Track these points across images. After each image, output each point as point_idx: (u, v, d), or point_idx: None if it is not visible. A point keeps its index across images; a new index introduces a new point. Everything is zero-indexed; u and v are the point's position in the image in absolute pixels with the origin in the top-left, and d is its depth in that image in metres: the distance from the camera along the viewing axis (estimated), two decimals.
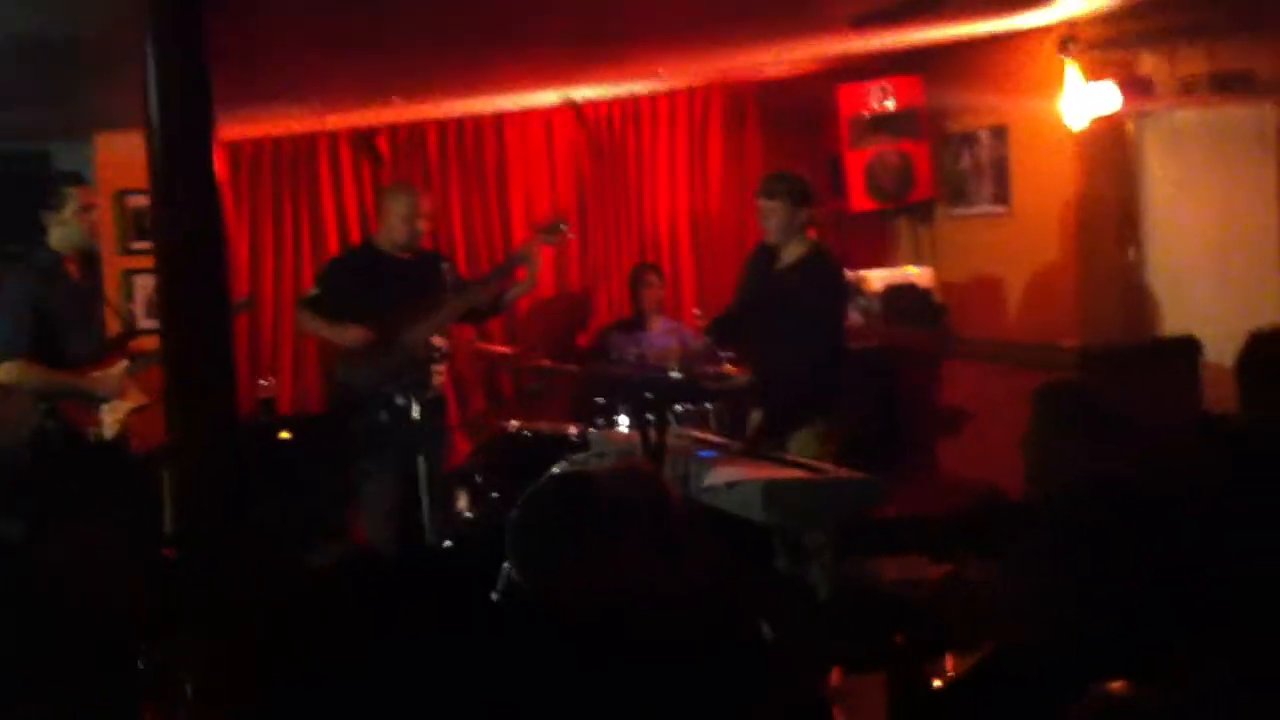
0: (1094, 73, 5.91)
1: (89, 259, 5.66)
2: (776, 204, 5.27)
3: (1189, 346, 5.58)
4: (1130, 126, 6.26)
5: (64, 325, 5.16)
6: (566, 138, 7.19)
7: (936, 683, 2.85)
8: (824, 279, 5.30)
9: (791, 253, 5.31)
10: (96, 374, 5.21)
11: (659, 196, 7.34)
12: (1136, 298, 6.30)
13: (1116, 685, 1.74)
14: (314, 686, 2.87)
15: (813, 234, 5.43)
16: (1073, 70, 5.93)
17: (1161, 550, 2.34)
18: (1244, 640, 2.32)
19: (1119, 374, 5.21)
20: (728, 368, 5.50)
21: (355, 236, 6.75)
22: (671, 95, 7.30)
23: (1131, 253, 6.31)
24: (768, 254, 5.39)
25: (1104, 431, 3.39)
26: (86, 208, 5.24)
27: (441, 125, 7.00)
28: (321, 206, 6.83)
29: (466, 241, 7.04)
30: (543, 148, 7.17)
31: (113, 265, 6.37)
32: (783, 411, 5.19)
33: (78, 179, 5.38)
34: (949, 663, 2.94)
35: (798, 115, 7.40)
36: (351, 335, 5.63)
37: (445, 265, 6.01)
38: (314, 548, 3.24)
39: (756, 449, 4.93)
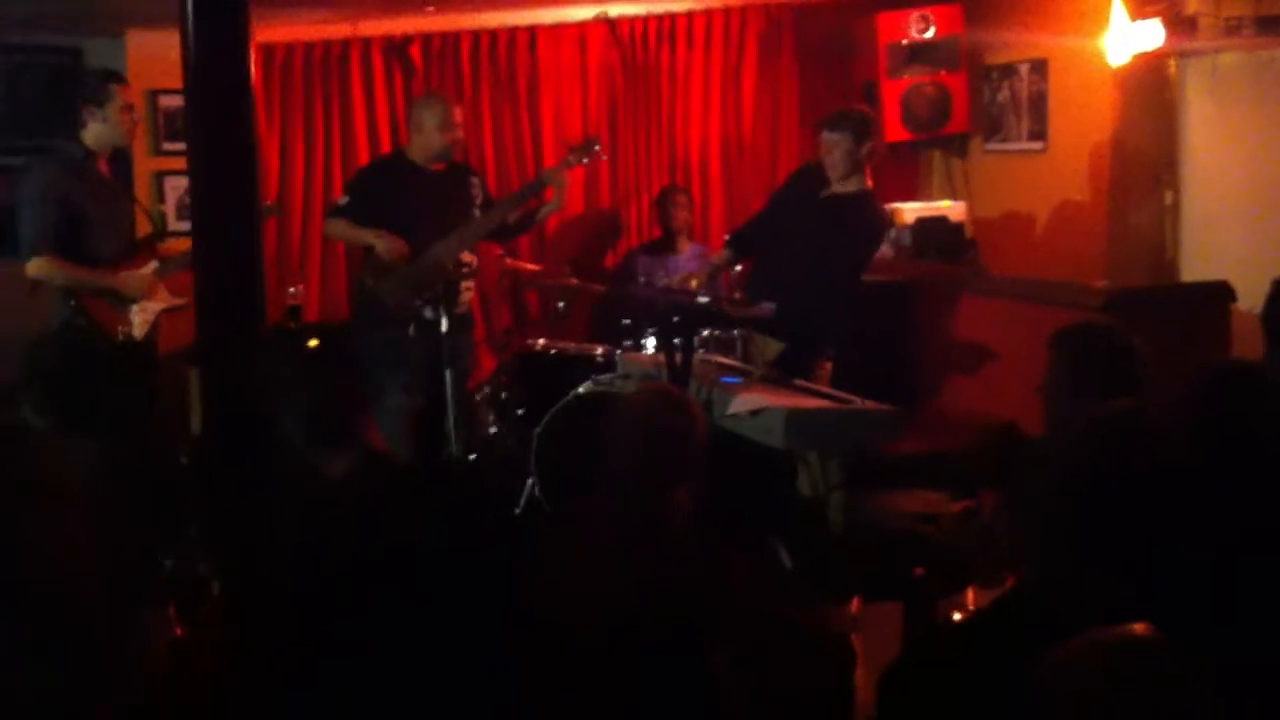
0: (1139, 9, 5.83)
1: (121, 158, 5.65)
2: (840, 136, 5.27)
3: (1220, 292, 5.53)
4: (1172, 66, 6.18)
5: (92, 223, 5.16)
6: (600, 54, 7.12)
7: (956, 615, 2.87)
8: (873, 222, 5.30)
9: (845, 186, 5.30)
10: (125, 273, 5.22)
11: (691, 118, 7.28)
12: (1170, 240, 6.25)
13: (1116, 628, 1.75)
14: (331, 591, 2.90)
15: (870, 178, 5.42)
16: (1118, 5, 5.84)
17: (1171, 494, 2.34)
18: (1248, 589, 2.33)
19: (1146, 317, 5.16)
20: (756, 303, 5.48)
21: (386, 145, 6.71)
22: (708, 15, 7.22)
23: (1168, 195, 6.25)
24: (814, 179, 5.36)
25: (1125, 377, 3.38)
26: (128, 107, 5.22)
27: (475, 35, 6.93)
28: (353, 114, 6.78)
29: (496, 155, 7.00)
30: (576, 63, 7.10)
31: (144, 166, 6.35)
32: (801, 343, 5.19)
33: (119, 76, 5.35)
34: (970, 597, 2.96)
35: (834, 41, 7.31)
36: (387, 242, 5.61)
37: (475, 180, 5.99)
38: (335, 455, 3.25)
39: (780, 375, 4.93)
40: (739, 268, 6.11)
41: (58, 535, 3.17)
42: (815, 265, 5.26)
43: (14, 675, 2.70)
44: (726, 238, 6.03)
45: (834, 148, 5.29)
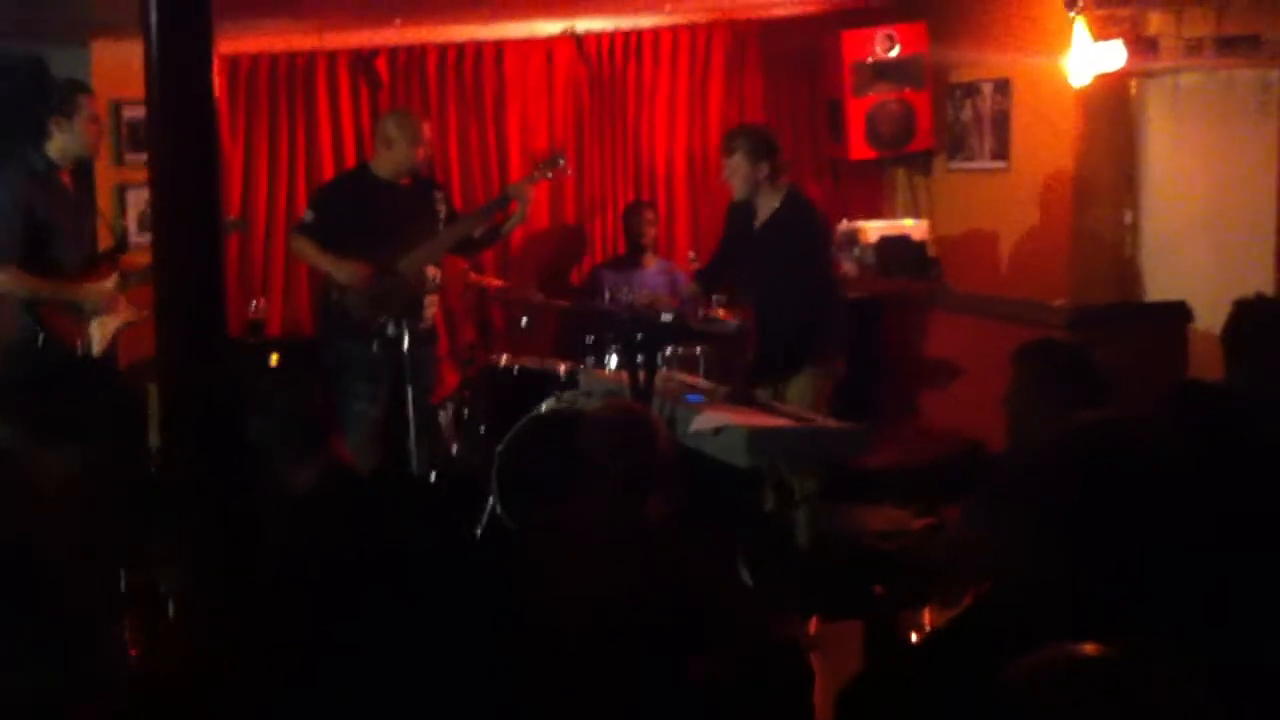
0: (1101, 30, 5.87)
1: (83, 170, 5.61)
2: (735, 160, 5.29)
3: (1178, 311, 5.59)
4: (1134, 86, 6.24)
5: (55, 235, 5.11)
6: (567, 69, 7.12)
7: (913, 635, 2.88)
8: (800, 229, 5.30)
9: (766, 206, 5.31)
10: (86, 286, 5.18)
11: (657, 133, 7.29)
12: (1129, 260, 6.30)
13: (1063, 645, 1.75)
14: (293, 604, 2.89)
15: (786, 180, 5.42)
16: (1080, 26, 5.89)
17: (1141, 505, 2.36)
18: (1209, 601, 2.35)
19: (1106, 335, 5.21)
20: (719, 311, 5.49)
21: (351, 159, 6.69)
22: (674, 30, 7.23)
23: (1128, 215, 6.31)
24: (745, 212, 5.39)
25: (1086, 392, 3.40)
26: (94, 117, 5.20)
27: (442, 49, 6.92)
28: (318, 127, 6.76)
29: (462, 169, 6.99)
30: (543, 78, 7.10)
31: (106, 178, 6.30)
32: (777, 357, 5.20)
33: (85, 87, 5.32)
34: (926, 616, 2.97)
35: (800, 58, 7.34)
36: (348, 270, 5.61)
37: (439, 194, 5.99)
38: (301, 467, 3.25)
39: (743, 394, 4.94)
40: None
41: (31, 544, 3.16)
42: (775, 290, 5.27)
43: None
44: (695, 270, 6.02)
45: (733, 173, 5.34)
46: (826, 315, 5.24)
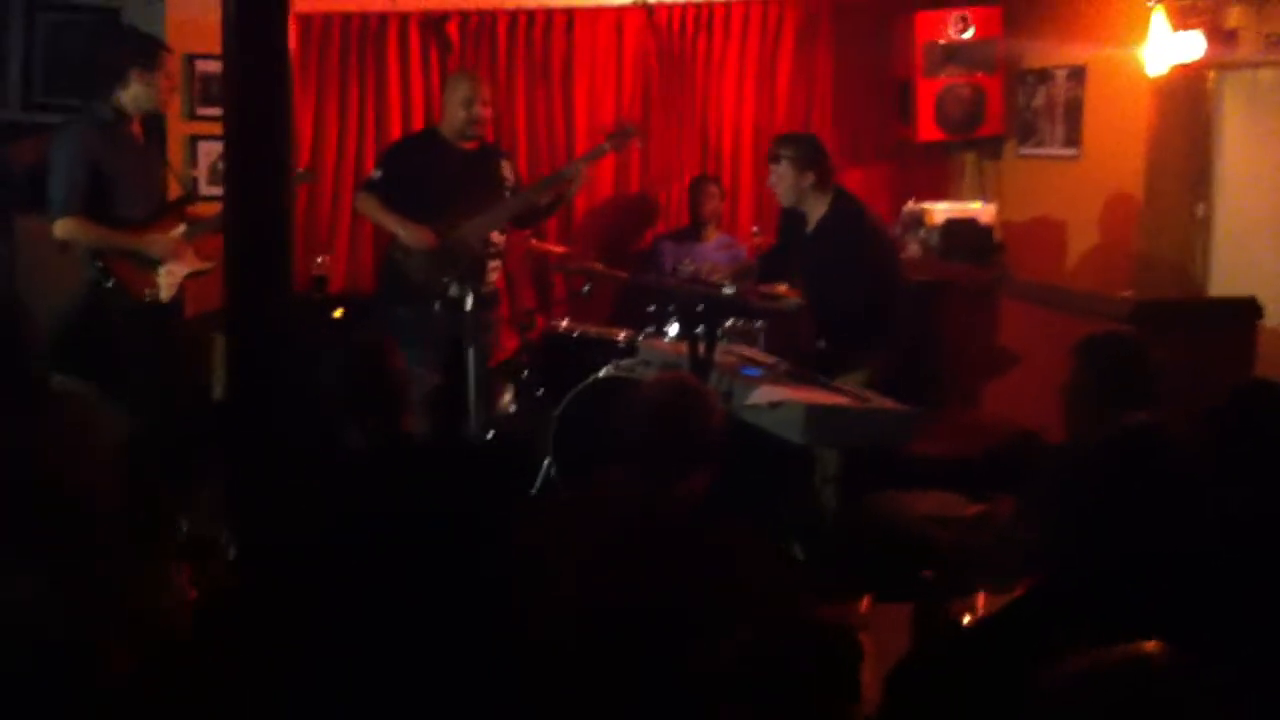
0: (1180, 20, 5.79)
1: (153, 122, 5.66)
2: (781, 168, 5.23)
3: (1248, 307, 5.51)
4: (1211, 79, 6.14)
5: (122, 185, 5.17)
6: (636, 40, 7.11)
7: (966, 619, 2.87)
8: (847, 235, 5.20)
9: (815, 212, 5.26)
10: (151, 235, 5.24)
11: (725, 108, 7.26)
12: (1199, 254, 6.22)
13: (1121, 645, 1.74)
14: (348, 558, 2.92)
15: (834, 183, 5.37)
16: (1159, 16, 5.81)
17: (1187, 504, 2.34)
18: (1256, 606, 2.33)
19: (1172, 330, 5.15)
20: (780, 288, 5.48)
21: (419, 121, 6.72)
22: (746, 5, 7.20)
23: (1200, 208, 6.22)
24: (799, 214, 5.35)
25: (1144, 388, 3.38)
26: (170, 75, 5.27)
27: (512, 15, 6.93)
28: (388, 88, 6.79)
29: (529, 136, 7.00)
30: (612, 48, 7.09)
31: (177, 130, 6.37)
32: (833, 356, 5.16)
33: (166, 45, 5.39)
34: (980, 601, 2.96)
35: (871, 37, 7.28)
36: (414, 234, 5.65)
37: (506, 161, 6.02)
38: (355, 430, 3.27)
39: (802, 371, 4.93)
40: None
41: (89, 487, 3.21)
42: (831, 295, 5.24)
43: (39, 613, 2.74)
44: (758, 252, 5.99)
45: (778, 181, 5.26)
46: (880, 318, 5.17)
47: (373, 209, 5.85)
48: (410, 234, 5.67)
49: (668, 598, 2.65)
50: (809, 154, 5.21)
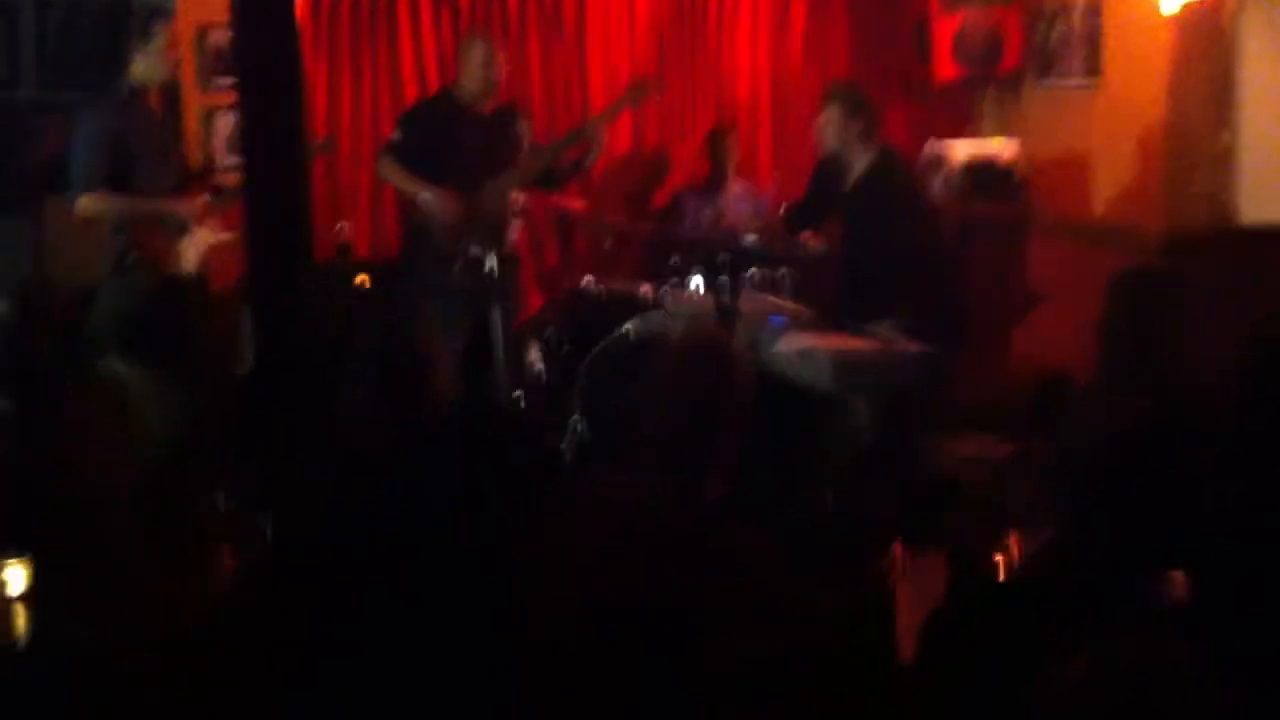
0: None
1: (169, 94, 5.66)
2: (831, 110, 5.23)
3: (1278, 235, 5.46)
4: (1230, 3, 6.06)
5: (142, 158, 5.17)
6: None
7: (999, 560, 2.86)
8: (891, 191, 5.21)
9: (857, 165, 5.23)
10: (178, 201, 5.24)
11: (739, 57, 7.20)
12: (1227, 184, 6.15)
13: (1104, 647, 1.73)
14: (381, 529, 2.94)
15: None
16: None
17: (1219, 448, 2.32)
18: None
19: (1203, 261, 5.11)
20: (805, 235, 5.46)
21: (433, 82, 6.69)
22: None
23: (1225, 136, 6.15)
24: (838, 167, 5.31)
25: (1180, 322, 3.34)
26: (174, 43, 5.24)
27: None
28: (400, 52, 6.76)
29: (545, 95, 6.96)
30: (623, 1, 7.04)
31: (193, 102, 6.36)
32: (865, 310, 5.14)
33: (165, 12, 5.36)
34: (1014, 544, 2.95)
35: None
36: (436, 199, 5.64)
37: (523, 122, 6.01)
38: (383, 397, 3.27)
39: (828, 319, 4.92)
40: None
41: (126, 473, 3.24)
42: (874, 256, 5.21)
43: (80, 601, 2.77)
44: (784, 208, 5.94)
45: (826, 123, 5.26)
46: (921, 266, 5.15)
47: (395, 174, 5.85)
48: (434, 200, 5.67)
49: (685, 595, 2.64)
50: (859, 102, 5.22)
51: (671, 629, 2.48)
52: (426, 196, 5.68)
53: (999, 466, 3.70)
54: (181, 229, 5.20)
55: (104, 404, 3.32)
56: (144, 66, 5.17)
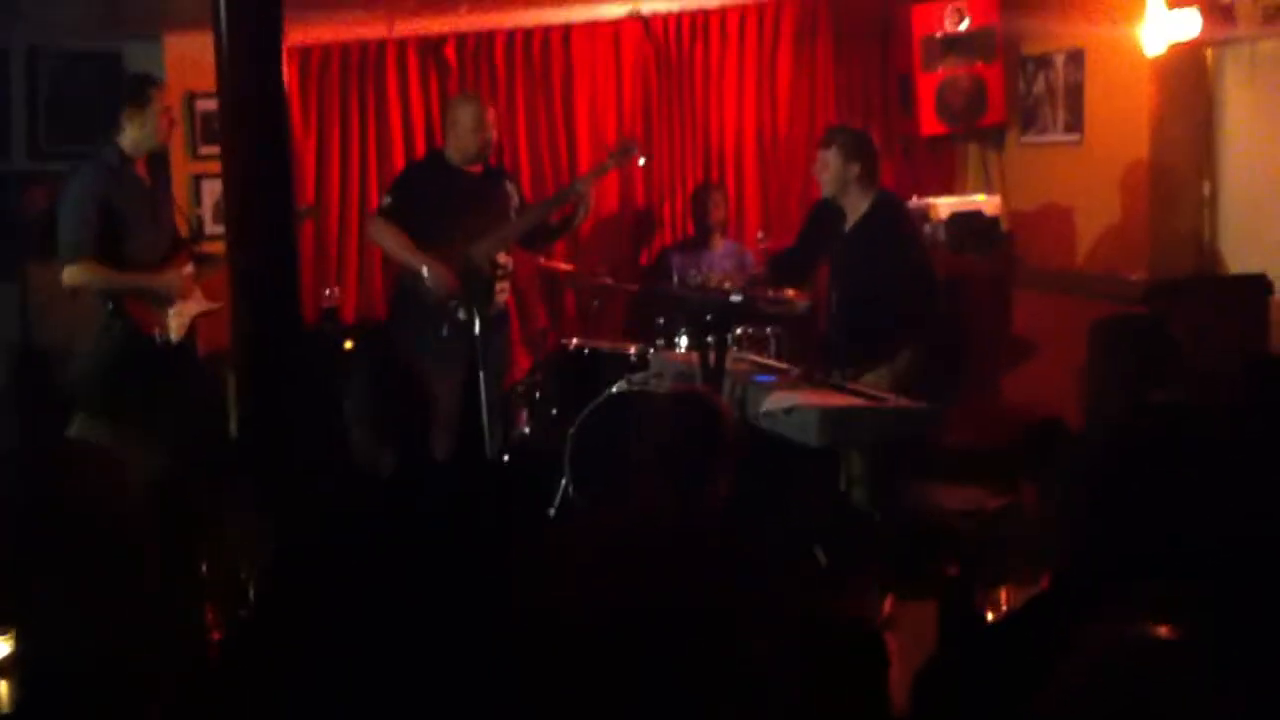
0: None
1: (158, 161, 5.69)
2: (829, 154, 5.23)
3: (1258, 284, 5.49)
4: (1210, 55, 6.12)
5: (131, 226, 5.19)
6: (634, 51, 7.11)
7: (989, 614, 2.86)
8: (889, 235, 5.21)
9: (855, 209, 5.24)
10: (163, 275, 5.26)
11: (725, 114, 7.26)
12: (1209, 233, 6.20)
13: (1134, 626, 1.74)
14: (369, 588, 2.92)
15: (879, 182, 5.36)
16: None
17: (1206, 485, 2.32)
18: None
19: (1186, 309, 5.13)
20: (789, 292, 5.47)
21: (421, 146, 6.74)
22: (741, 9, 7.20)
23: (1205, 186, 6.20)
24: (836, 211, 5.33)
25: (1163, 368, 3.36)
26: (165, 110, 5.27)
27: (509, 34, 6.94)
28: (389, 115, 6.81)
29: (531, 154, 7.01)
30: (610, 60, 7.10)
31: (181, 169, 6.39)
32: (858, 354, 5.13)
33: (157, 80, 5.40)
34: (1004, 595, 2.94)
35: (870, 34, 7.29)
36: (435, 275, 5.60)
37: (511, 183, 6.04)
38: (381, 456, 3.27)
39: (815, 375, 4.92)
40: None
41: (114, 532, 3.22)
42: (871, 296, 5.21)
43: (70, 661, 2.75)
44: (768, 256, 5.96)
45: (823, 168, 5.27)
46: (911, 320, 5.15)
47: (389, 239, 5.81)
48: (433, 276, 5.64)
49: (692, 606, 2.64)
50: (859, 146, 5.23)
51: (670, 640, 2.47)
52: (424, 270, 5.65)
53: (989, 517, 3.70)
54: (168, 299, 5.22)
55: (81, 464, 3.31)
56: (136, 135, 5.20)
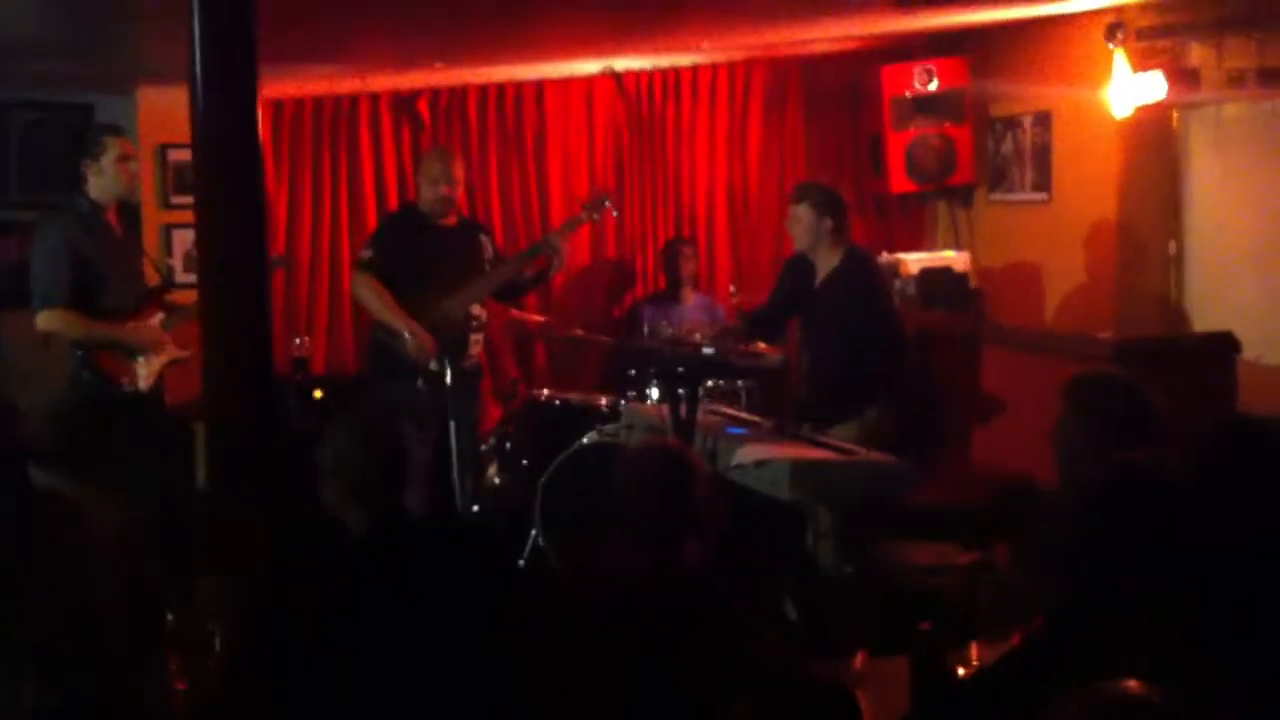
0: (1141, 62, 5.86)
1: (129, 211, 5.67)
2: (801, 209, 5.27)
3: (1226, 342, 5.54)
4: (1175, 118, 6.21)
5: (102, 275, 5.17)
6: (606, 108, 7.17)
7: (961, 671, 2.85)
8: (859, 287, 5.25)
9: (826, 263, 5.28)
10: (133, 325, 5.24)
11: (698, 171, 7.31)
12: (1176, 292, 6.25)
13: (1110, 683, 1.75)
14: (343, 644, 2.90)
15: (849, 238, 5.40)
16: (1120, 58, 5.88)
17: (1182, 543, 2.33)
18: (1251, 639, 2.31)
19: (1154, 368, 5.16)
20: (760, 346, 5.48)
21: (393, 199, 6.76)
22: (713, 68, 7.27)
23: (1172, 246, 6.27)
24: (804, 270, 5.37)
25: (1136, 426, 3.36)
26: (125, 158, 5.23)
27: (483, 90, 6.98)
28: (361, 168, 6.83)
29: (504, 208, 7.04)
30: (583, 117, 7.15)
31: (153, 219, 6.39)
32: (829, 408, 5.14)
33: (116, 129, 5.38)
34: (974, 652, 2.94)
35: (840, 94, 7.36)
36: (417, 341, 5.57)
37: (484, 237, 6.05)
38: (353, 514, 3.25)
39: (787, 428, 4.92)
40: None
41: (81, 585, 3.18)
42: (835, 346, 5.24)
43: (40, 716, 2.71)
44: (739, 311, 5.96)
45: (795, 222, 5.31)
46: (886, 369, 5.17)
47: (375, 301, 5.72)
48: (415, 343, 5.59)
49: (667, 669, 2.63)
50: (831, 202, 5.26)
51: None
52: (406, 336, 5.61)
53: (961, 573, 3.69)
54: (139, 350, 5.19)
55: (47, 517, 3.27)
56: (98, 183, 5.19)
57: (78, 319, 5.10)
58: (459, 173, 5.90)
